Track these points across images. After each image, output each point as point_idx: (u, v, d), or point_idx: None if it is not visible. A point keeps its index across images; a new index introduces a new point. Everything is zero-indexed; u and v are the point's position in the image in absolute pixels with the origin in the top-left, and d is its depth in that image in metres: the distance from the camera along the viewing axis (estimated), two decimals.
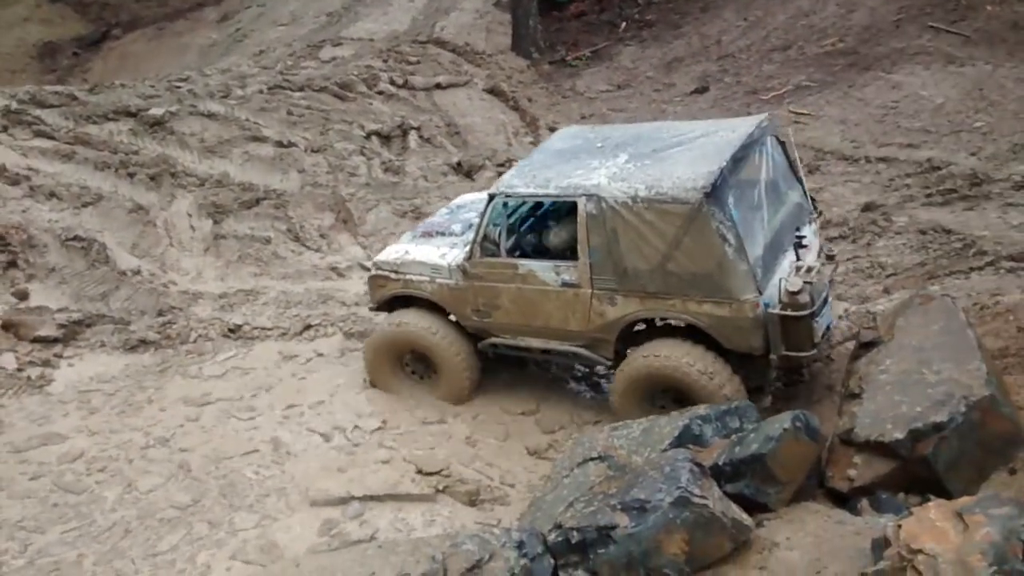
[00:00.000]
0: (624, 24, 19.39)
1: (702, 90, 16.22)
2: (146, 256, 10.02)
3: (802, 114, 13.86)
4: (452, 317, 7.68)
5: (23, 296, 8.97)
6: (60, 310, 8.93)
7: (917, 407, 5.19)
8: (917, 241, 9.50)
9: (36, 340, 8.64)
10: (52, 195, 10.15)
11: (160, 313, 9.34)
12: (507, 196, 7.10)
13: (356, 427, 7.47)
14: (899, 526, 3.88)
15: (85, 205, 10.29)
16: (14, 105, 11.62)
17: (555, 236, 7.30)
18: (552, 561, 4.50)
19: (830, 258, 7.30)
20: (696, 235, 6.30)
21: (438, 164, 13.30)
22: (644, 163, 6.80)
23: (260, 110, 13.09)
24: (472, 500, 6.68)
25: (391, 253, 8.05)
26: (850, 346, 6.96)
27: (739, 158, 6.66)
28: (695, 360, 6.52)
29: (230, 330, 9.09)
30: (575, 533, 4.45)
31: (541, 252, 7.32)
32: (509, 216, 7.39)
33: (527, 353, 7.63)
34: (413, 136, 13.86)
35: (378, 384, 7.96)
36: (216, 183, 11.27)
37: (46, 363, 8.50)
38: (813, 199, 7.67)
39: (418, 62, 16.44)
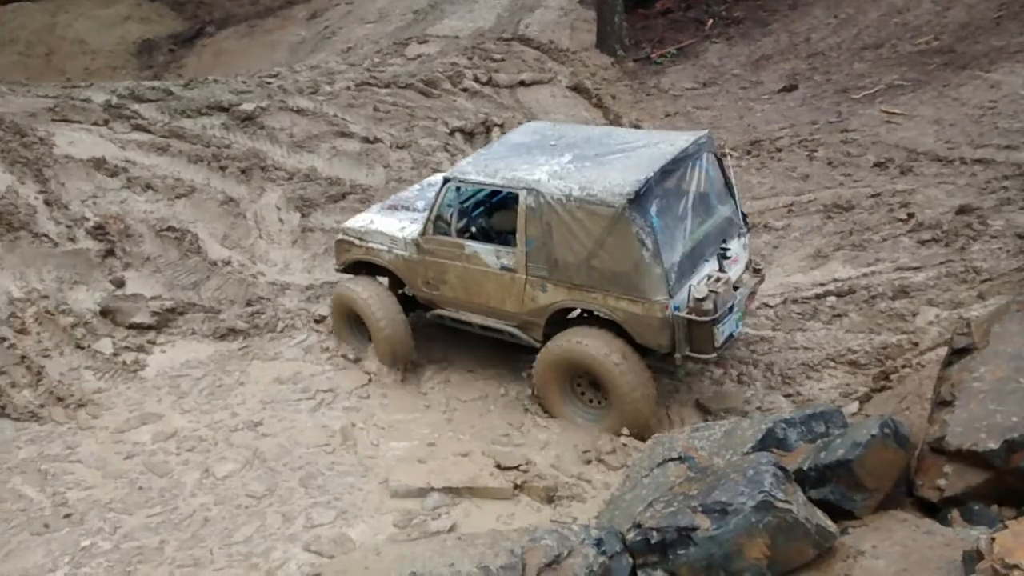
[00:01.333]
0: (711, 21, 19.14)
1: (790, 88, 15.91)
2: (236, 247, 10.30)
3: (894, 114, 13.48)
4: (407, 289, 8.46)
5: (120, 284, 9.30)
6: (154, 298, 9.24)
7: (1013, 416, 5.00)
8: (1014, 245, 9.16)
9: (131, 326, 8.97)
10: (148, 187, 10.49)
11: (249, 303, 9.60)
12: (460, 181, 7.77)
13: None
14: (993, 539, 3.76)
15: (179, 197, 10.62)
16: (114, 100, 12.06)
17: (499, 223, 7.97)
18: (630, 560, 4.48)
19: (757, 271, 7.99)
20: (618, 237, 6.88)
21: None
22: (584, 165, 7.35)
23: (347, 106, 13.31)
24: (549, 497, 6.70)
25: (358, 221, 8.74)
26: (942, 352, 6.76)
27: (669, 170, 7.18)
28: (609, 350, 7.10)
29: (316, 320, 9.29)
30: (654, 533, 4.42)
31: (486, 236, 7.93)
32: (462, 200, 8.04)
33: (468, 327, 8.19)
34: (496, 133, 13.89)
35: (339, 337, 8.77)
36: (304, 177, 11.51)
37: (140, 348, 8.82)
38: (744, 215, 8.08)
39: (502, 59, 16.49)
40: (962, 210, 10.01)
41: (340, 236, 8.79)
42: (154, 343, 8.94)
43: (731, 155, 13.07)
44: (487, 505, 6.56)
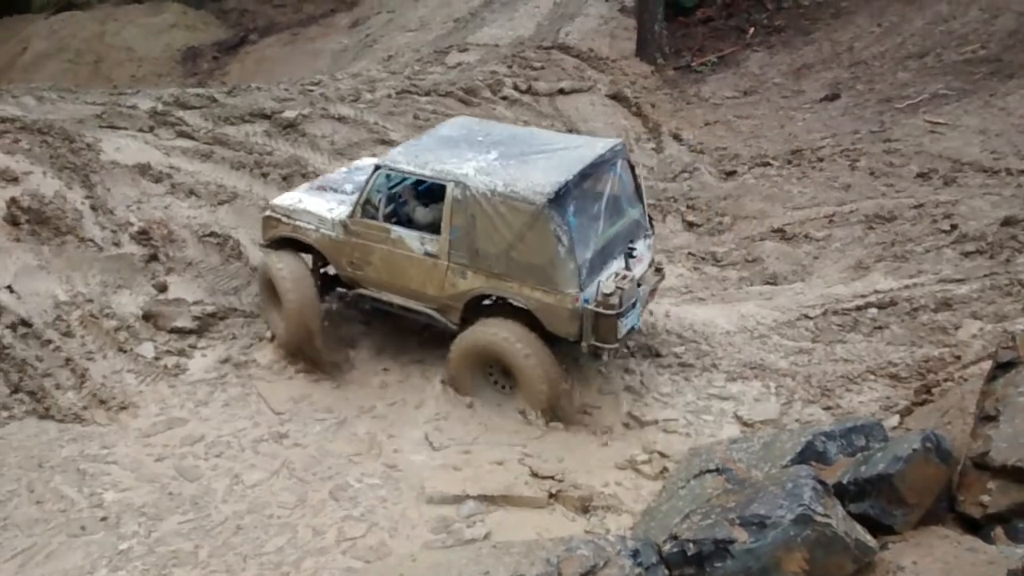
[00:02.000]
0: (752, 30, 19.02)
1: (832, 97, 15.78)
2: None
3: (939, 123, 13.31)
4: (330, 268, 8.81)
5: (163, 288, 9.42)
6: (195, 303, 9.34)
7: None
8: None
9: (173, 331, 9.08)
10: (191, 192, 10.63)
11: None
12: (390, 169, 8.11)
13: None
14: None
15: (221, 203, 10.73)
16: (159, 107, 12.25)
17: (426, 211, 8.30)
18: (666, 572, 4.45)
19: (658, 271, 8.72)
20: (537, 232, 7.41)
21: None
22: (509, 163, 7.84)
23: (388, 114, 13.41)
24: (584, 507, 6.68)
25: (286, 199, 9.03)
26: (986, 366, 6.65)
27: (586, 174, 7.72)
28: (517, 339, 7.59)
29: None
30: (691, 545, 4.40)
31: (412, 222, 8.28)
32: (391, 186, 8.36)
33: (389, 307, 8.53)
34: None
35: (262, 311, 9.16)
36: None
37: (181, 352, 8.91)
38: (651, 218, 8.74)
39: (542, 67, 16.52)
40: (1007, 222, 9.85)
41: (268, 213, 9.05)
42: (195, 347, 9.03)
43: (772, 164, 13.00)
44: (521, 514, 6.57)
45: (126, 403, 8.12)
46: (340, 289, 8.97)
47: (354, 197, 8.40)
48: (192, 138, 11.81)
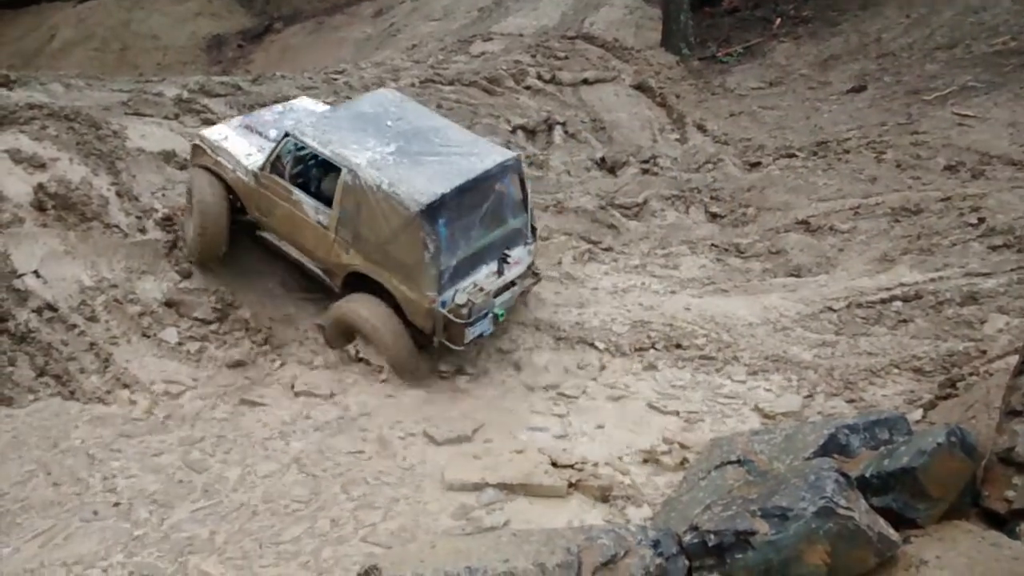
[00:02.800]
0: (779, 20, 18.84)
1: (859, 89, 15.60)
2: None
3: (967, 116, 13.15)
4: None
5: (186, 275, 9.49)
6: (216, 291, 9.40)
7: None
8: None
9: (195, 318, 9.15)
10: None
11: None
12: (296, 139, 8.74)
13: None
14: None
15: None
16: (185, 94, 12.31)
17: (324, 183, 8.90)
18: (687, 562, 4.43)
19: (535, 275, 9.37)
20: (408, 235, 8.07)
21: (582, 159, 13.30)
22: (402, 160, 8.42)
23: None
24: (604, 496, 6.67)
25: (214, 133, 9.69)
26: (1012, 361, 6.57)
27: (466, 188, 8.26)
28: (375, 316, 8.45)
29: None
30: (712, 536, 4.37)
31: (312, 188, 8.93)
32: (299, 150, 8.89)
33: (286, 257, 9.34)
34: (558, 131, 13.90)
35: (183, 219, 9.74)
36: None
37: (204, 339, 8.98)
38: (535, 228, 9.27)
39: (566, 57, 16.44)
40: None
41: (196, 141, 9.73)
42: (217, 334, 9.09)
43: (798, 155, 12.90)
44: (541, 502, 6.56)
45: (146, 388, 8.19)
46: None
47: (268, 150, 9.06)
48: None
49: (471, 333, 8.44)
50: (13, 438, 7.17)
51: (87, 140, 10.33)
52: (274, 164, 8.91)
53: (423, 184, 8.14)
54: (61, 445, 7.13)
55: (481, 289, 8.38)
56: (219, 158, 9.35)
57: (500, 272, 8.63)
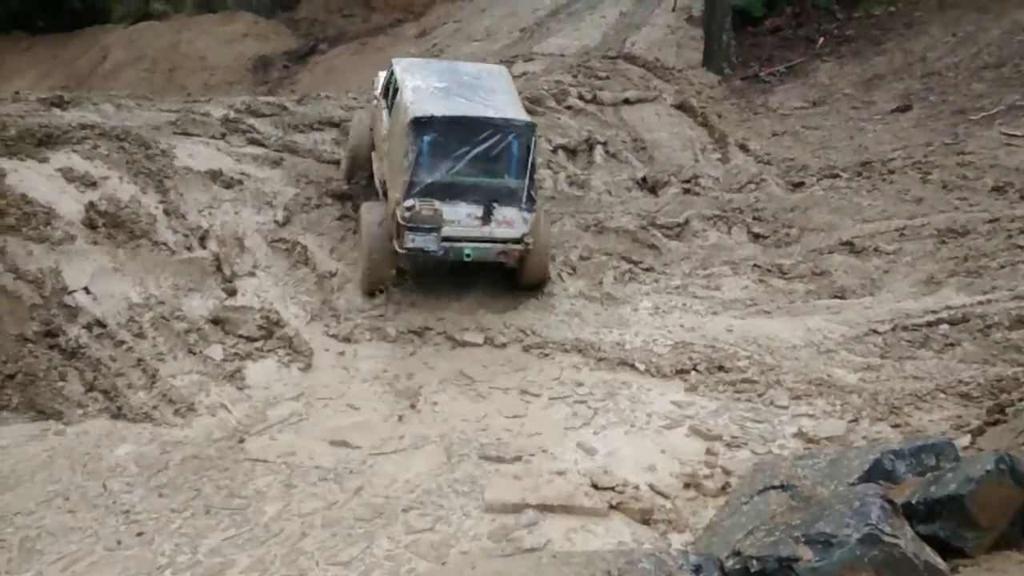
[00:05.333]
0: (822, 39, 18.76)
1: (904, 109, 15.47)
2: (343, 259, 10.53)
3: (1015, 136, 12.96)
4: None
5: (232, 292, 9.62)
6: (261, 309, 9.51)
7: None
8: None
9: (240, 335, 9.25)
10: (261, 198, 10.85)
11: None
12: (391, 70, 10.62)
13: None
14: None
15: (289, 209, 10.94)
16: (231, 114, 12.54)
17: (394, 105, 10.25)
18: None
19: (525, 244, 9.68)
20: (401, 142, 9.43)
21: (623, 179, 13.29)
22: (438, 94, 9.82)
23: None
24: (645, 519, 6.62)
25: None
26: None
27: (462, 122, 9.40)
28: (368, 214, 9.98)
29: (414, 332, 9.42)
30: (755, 562, 4.33)
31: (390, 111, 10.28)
32: (392, 79, 10.50)
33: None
34: (599, 150, 13.91)
35: None
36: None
37: (247, 356, 9.06)
38: (534, 198, 9.75)
39: (607, 77, 16.50)
40: None
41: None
42: (261, 351, 9.18)
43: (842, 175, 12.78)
44: (581, 524, 6.53)
45: (193, 405, 8.27)
46: None
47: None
48: (262, 145, 12.07)
49: (410, 239, 9.33)
50: (48, 458, 7.25)
51: (137, 159, 10.56)
52: (384, 90, 10.65)
53: (430, 107, 9.34)
54: (89, 467, 7.14)
55: (434, 208, 9.23)
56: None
57: (485, 220, 9.46)
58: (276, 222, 10.68)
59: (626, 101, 15.65)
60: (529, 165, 9.54)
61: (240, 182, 11.05)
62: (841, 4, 19.53)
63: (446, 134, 9.22)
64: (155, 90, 20.70)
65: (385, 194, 10.12)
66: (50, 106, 11.74)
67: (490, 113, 9.51)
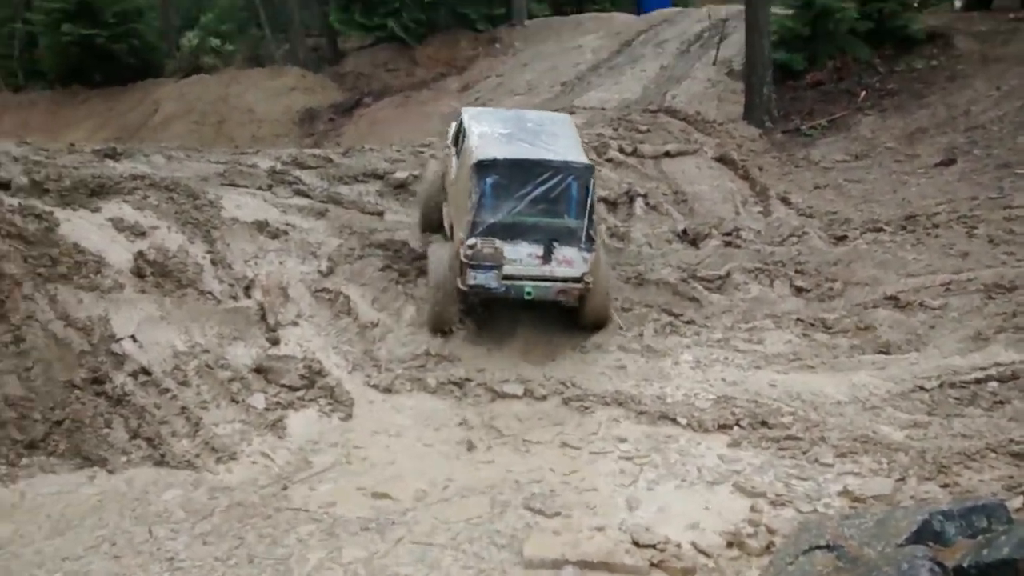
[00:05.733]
0: (864, 93, 18.74)
1: (948, 162, 15.37)
2: (385, 310, 10.61)
3: None
4: None
5: (275, 342, 9.71)
6: (303, 358, 9.58)
7: None
8: None
9: (283, 385, 9.31)
10: (306, 249, 11.01)
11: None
12: (461, 118, 11.19)
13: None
14: None
15: (333, 259, 11.08)
16: (278, 166, 12.81)
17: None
18: None
19: (585, 283, 9.99)
20: (466, 184, 9.86)
21: (663, 231, 13.31)
22: (502, 139, 10.25)
23: None
24: None
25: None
26: None
27: (523, 165, 9.77)
28: (436, 254, 10.34)
29: (455, 383, 9.43)
30: None
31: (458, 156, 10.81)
32: (461, 126, 11.09)
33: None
34: (639, 203, 13.95)
35: None
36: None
37: (289, 404, 9.10)
38: (593, 238, 10.02)
39: (648, 130, 16.61)
40: None
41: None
42: (302, 400, 9.22)
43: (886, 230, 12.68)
44: None
45: (235, 453, 8.30)
46: None
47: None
48: (308, 196, 12.28)
49: (472, 276, 9.76)
50: (99, 502, 7.35)
51: (185, 209, 10.80)
52: (454, 138, 11.19)
53: (494, 150, 9.77)
54: (137, 512, 7.22)
55: (495, 247, 9.65)
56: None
57: (545, 259, 9.81)
58: (320, 272, 10.82)
59: (667, 154, 15.72)
60: (588, 206, 9.83)
61: (285, 232, 11.23)
62: (883, 58, 19.53)
63: (508, 176, 9.66)
64: (204, 142, 21.23)
65: (452, 235, 10.49)
66: (103, 157, 12.07)
67: (550, 156, 9.88)
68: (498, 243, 9.69)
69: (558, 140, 10.40)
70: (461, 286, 9.86)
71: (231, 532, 7.03)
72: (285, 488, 7.69)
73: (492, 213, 9.67)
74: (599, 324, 10.40)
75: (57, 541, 6.84)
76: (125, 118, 27.10)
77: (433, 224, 11.70)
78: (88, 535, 6.92)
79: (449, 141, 11.66)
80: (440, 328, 10.19)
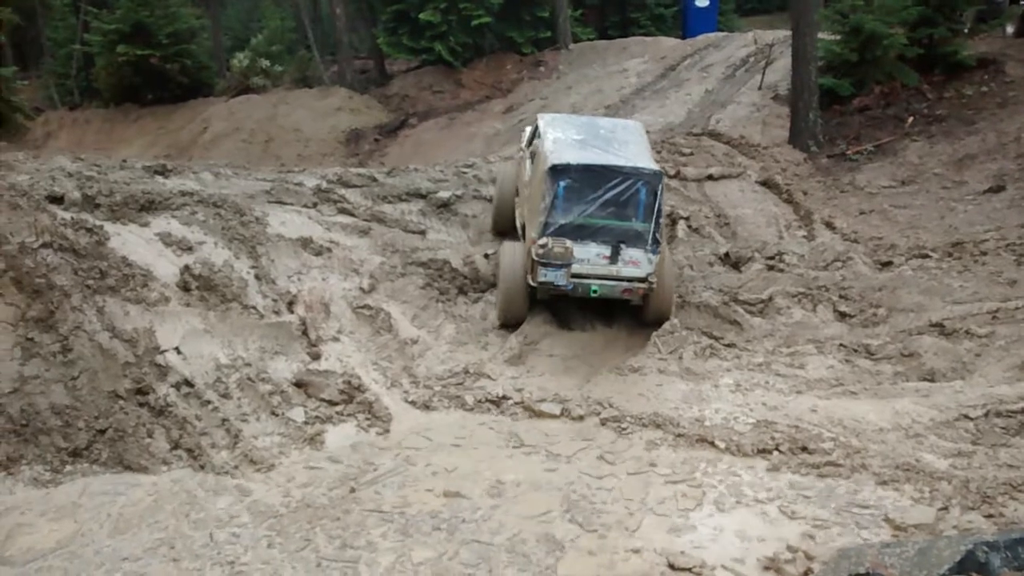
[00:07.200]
0: (911, 119, 18.53)
1: (997, 189, 15.13)
2: (424, 327, 10.68)
3: None
4: None
5: (316, 357, 9.82)
6: (343, 373, 9.67)
7: None
8: None
9: (322, 399, 9.41)
10: (348, 266, 11.12)
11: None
12: (536, 123, 11.91)
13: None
14: None
15: (375, 276, 11.19)
16: (324, 184, 12.97)
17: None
18: None
19: (650, 283, 10.59)
20: (540, 186, 10.50)
21: (705, 254, 13.24)
22: (576, 144, 10.77)
23: None
24: None
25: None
26: None
27: (594, 169, 10.27)
28: (507, 253, 10.93)
29: (492, 401, 9.43)
30: None
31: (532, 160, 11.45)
32: (536, 131, 11.85)
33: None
34: (682, 225, 13.92)
35: None
36: (495, 263, 11.89)
37: (328, 419, 9.18)
38: (658, 240, 10.46)
39: (691, 153, 16.58)
40: None
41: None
42: (341, 415, 9.29)
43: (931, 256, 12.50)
44: None
45: (273, 465, 8.37)
46: None
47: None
48: (352, 214, 12.43)
49: (542, 274, 10.33)
50: (154, 502, 7.49)
51: (231, 226, 10.98)
52: (528, 142, 11.78)
53: (567, 155, 10.27)
54: (192, 516, 7.35)
55: (565, 246, 10.18)
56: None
57: (612, 259, 10.33)
58: (361, 289, 10.93)
59: (710, 177, 15.66)
60: (655, 210, 10.30)
61: (329, 250, 11.38)
62: (932, 84, 19.31)
63: (580, 180, 10.15)
64: (252, 160, 21.61)
65: (524, 235, 11.04)
66: (153, 174, 12.32)
67: (621, 162, 10.33)
68: (568, 243, 10.22)
69: (629, 147, 10.86)
70: (531, 283, 10.44)
71: (299, 534, 7.12)
72: (353, 491, 7.76)
73: (564, 214, 10.19)
74: (661, 320, 10.87)
75: (117, 540, 7.00)
76: (176, 136, 27.68)
77: (505, 224, 12.34)
78: (147, 536, 7.07)
79: (523, 145, 12.26)
80: (509, 322, 10.85)
